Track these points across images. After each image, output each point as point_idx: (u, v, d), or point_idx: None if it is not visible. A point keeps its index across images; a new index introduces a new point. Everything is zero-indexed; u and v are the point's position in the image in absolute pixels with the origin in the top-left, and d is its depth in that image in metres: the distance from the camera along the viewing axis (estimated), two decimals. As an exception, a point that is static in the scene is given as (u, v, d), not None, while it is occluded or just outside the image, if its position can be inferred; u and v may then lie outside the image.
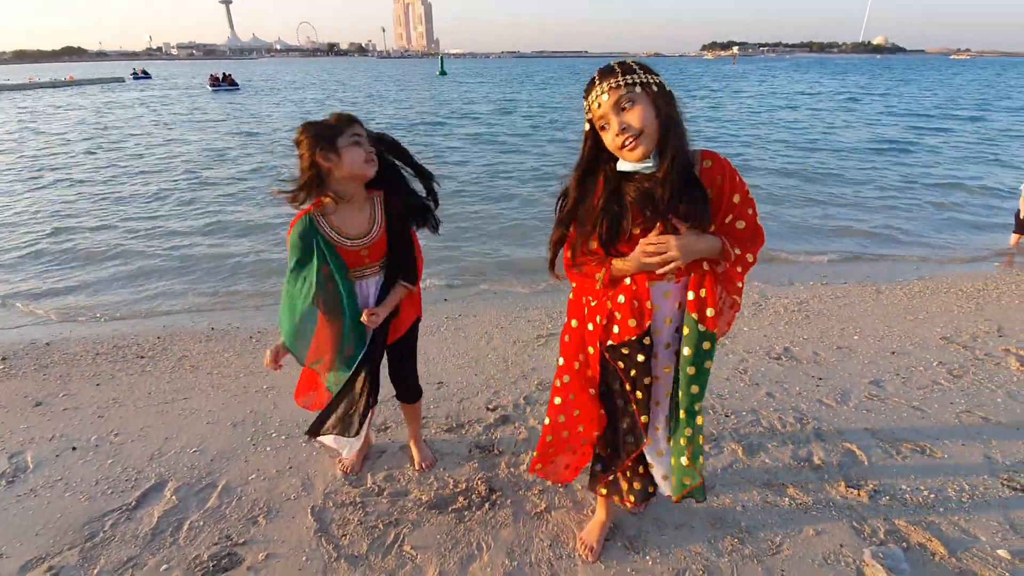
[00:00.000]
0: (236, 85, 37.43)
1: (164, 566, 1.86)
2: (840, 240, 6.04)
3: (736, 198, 1.37)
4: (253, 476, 2.29)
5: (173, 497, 2.17)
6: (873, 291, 4.33)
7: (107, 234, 6.63)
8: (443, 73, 60.23)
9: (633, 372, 1.53)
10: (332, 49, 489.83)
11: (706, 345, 1.47)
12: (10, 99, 31.33)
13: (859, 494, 2.08)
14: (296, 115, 20.96)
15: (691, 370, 1.48)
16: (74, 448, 2.51)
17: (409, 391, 2.20)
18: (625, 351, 1.51)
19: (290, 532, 1.99)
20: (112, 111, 23.40)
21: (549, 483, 2.20)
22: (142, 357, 3.45)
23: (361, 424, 2.02)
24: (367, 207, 1.83)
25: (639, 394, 1.55)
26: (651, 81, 1.29)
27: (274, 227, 6.73)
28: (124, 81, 51.84)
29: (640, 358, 1.50)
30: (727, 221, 1.40)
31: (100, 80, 51.52)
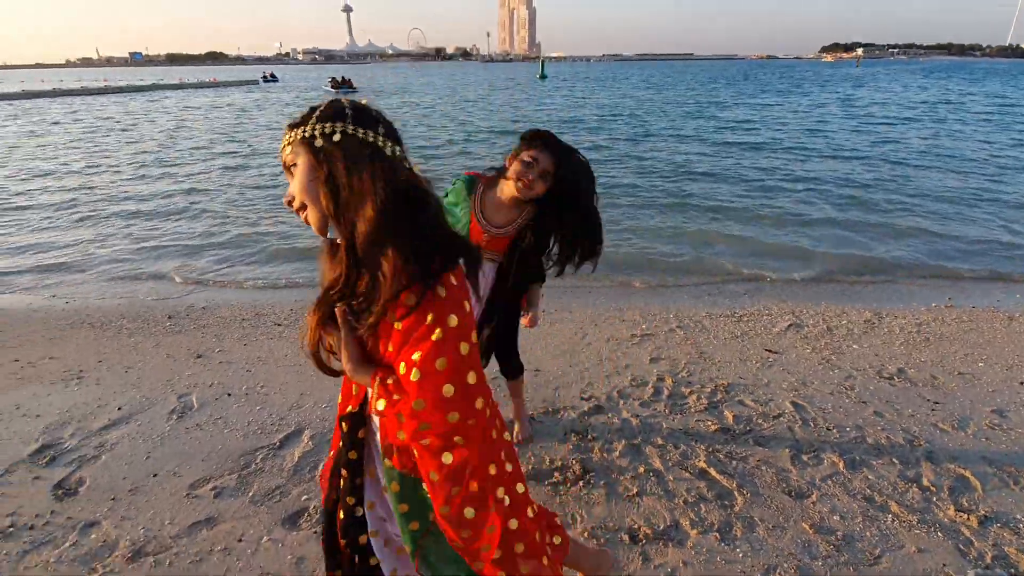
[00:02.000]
0: (355, 88, 40.27)
1: (304, 496, 2.19)
2: (973, 260, 5.52)
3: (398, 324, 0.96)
4: (373, 433, 2.60)
5: (309, 442, 2.53)
6: (1005, 318, 3.96)
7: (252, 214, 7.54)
8: (544, 77, 60.72)
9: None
10: (439, 53, 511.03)
11: (394, 486, 1.13)
12: (175, 97, 35.93)
13: (968, 518, 2.00)
14: (411, 117, 22.17)
15: (402, 507, 1.16)
16: (229, 395, 2.98)
17: (512, 368, 2.41)
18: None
19: (406, 483, 2.26)
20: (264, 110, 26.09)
21: (642, 470, 2.31)
22: (279, 324, 3.95)
23: None
24: (516, 210, 2.00)
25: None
26: (316, 133, 0.96)
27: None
28: (258, 83, 57.41)
29: (344, 426, 1.23)
30: (390, 349, 1.00)
31: (238, 82, 57.55)
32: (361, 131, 0.97)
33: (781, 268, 5.25)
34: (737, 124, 17.39)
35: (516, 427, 2.54)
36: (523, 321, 2.17)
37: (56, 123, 21.01)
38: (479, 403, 0.99)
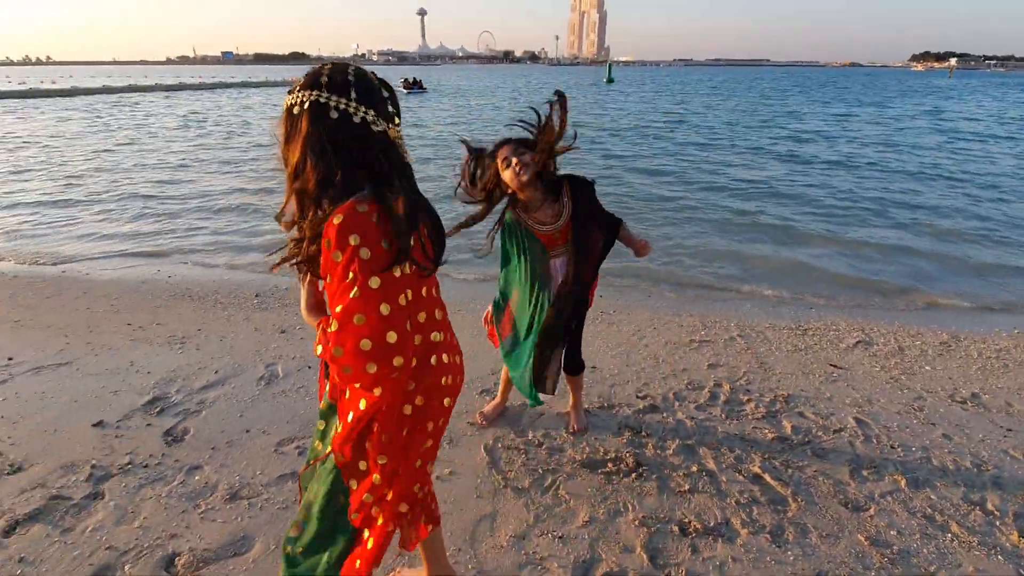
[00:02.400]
0: (425, 89, 41.66)
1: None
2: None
3: (337, 256, 1.08)
4: (438, 412, 2.79)
5: (381, 415, 2.75)
6: (1105, 352, 3.69)
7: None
8: (611, 81, 60.31)
9: None
10: (507, 56, 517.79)
11: (322, 404, 1.41)
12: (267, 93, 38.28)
13: (1038, 546, 1.94)
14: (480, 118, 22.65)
15: (319, 423, 1.41)
16: (309, 367, 3.25)
17: (575, 364, 2.52)
18: None
19: (468, 459, 2.42)
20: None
21: (695, 468, 2.37)
22: (353, 308, 4.24)
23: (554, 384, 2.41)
24: (551, 201, 2.20)
25: None
26: (295, 102, 1.13)
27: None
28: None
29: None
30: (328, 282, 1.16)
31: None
32: (334, 99, 1.10)
33: (849, 300, 5.05)
34: (811, 136, 16.67)
35: (572, 417, 2.66)
36: (639, 251, 2.29)
37: (154, 116, 22.92)
38: (397, 361, 1.10)
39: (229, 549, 1.95)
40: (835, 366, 3.38)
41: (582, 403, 2.71)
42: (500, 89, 49.06)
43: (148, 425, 2.68)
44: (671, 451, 2.49)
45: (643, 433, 2.63)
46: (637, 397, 2.97)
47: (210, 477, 2.31)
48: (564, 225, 2.21)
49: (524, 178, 2.07)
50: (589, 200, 2.21)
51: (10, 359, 3.40)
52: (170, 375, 3.15)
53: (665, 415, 2.79)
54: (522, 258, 2.27)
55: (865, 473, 2.37)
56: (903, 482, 2.31)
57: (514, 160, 2.06)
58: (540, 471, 2.36)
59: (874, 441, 2.60)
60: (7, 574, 1.83)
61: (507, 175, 2.09)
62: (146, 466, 2.38)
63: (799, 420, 2.77)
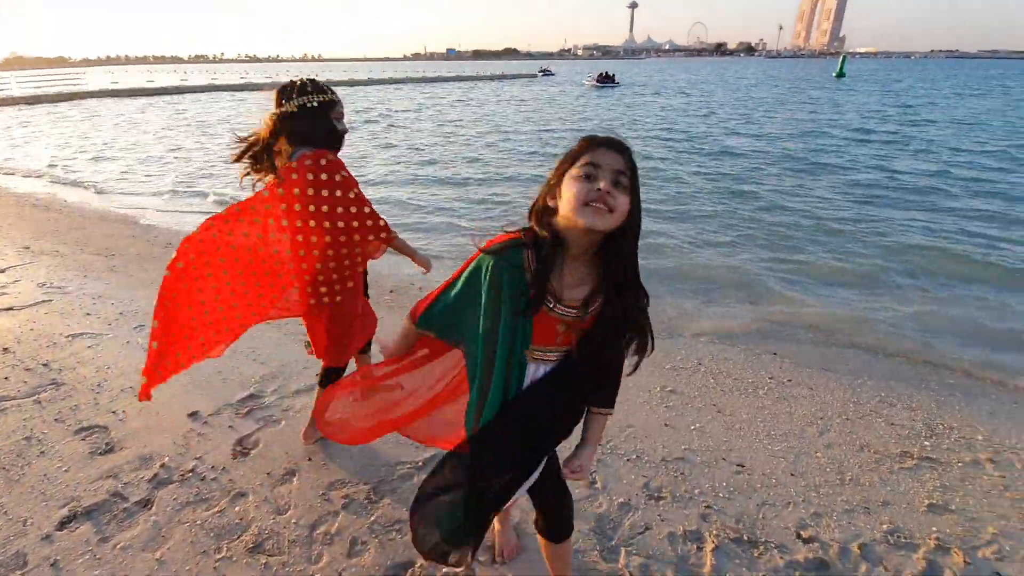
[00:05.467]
0: (617, 83, 42.44)
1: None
2: None
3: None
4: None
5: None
6: None
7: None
8: (841, 75, 52.35)
9: None
10: (718, 49, 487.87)
11: None
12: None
13: None
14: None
15: None
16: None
17: (558, 528, 1.51)
18: None
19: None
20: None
21: None
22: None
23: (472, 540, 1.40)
24: (591, 268, 1.22)
25: None
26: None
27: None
28: (536, 77, 62.15)
29: None
30: None
31: (519, 76, 63.32)
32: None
33: None
34: None
35: None
36: (565, 470, 1.40)
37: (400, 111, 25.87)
38: None
39: (221, 624, 1.65)
40: None
41: None
42: (699, 84, 45.67)
43: (230, 427, 2.59)
44: (838, 660, 1.57)
45: (796, 606, 1.74)
46: (798, 537, 2.02)
47: (247, 512, 2.08)
48: (577, 321, 1.23)
49: (592, 220, 1.10)
50: (627, 269, 1.20)
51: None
52: (278, 370, 3.09)
53: (839, 583, 1.83)
54: (487, 336, 1.27)
55: None
56: None
57: (604, 184, 1.10)
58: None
59: None
60: (22, 585, 1.76)
61: (576, 188, 1.12)
62: (203, 479, 2.25)
63: (1103, 663, 1.59)
